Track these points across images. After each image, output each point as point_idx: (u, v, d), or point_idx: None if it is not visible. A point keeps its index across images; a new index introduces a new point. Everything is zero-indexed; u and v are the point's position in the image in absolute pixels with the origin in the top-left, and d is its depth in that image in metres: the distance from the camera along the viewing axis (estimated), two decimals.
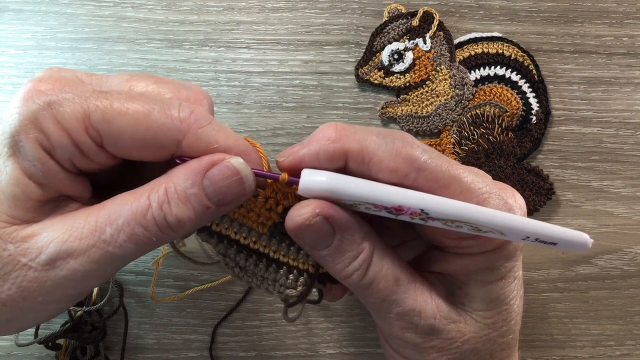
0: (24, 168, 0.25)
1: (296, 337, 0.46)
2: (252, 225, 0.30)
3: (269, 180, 0.28)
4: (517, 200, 0.30)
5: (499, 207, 0.28)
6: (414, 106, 0.48)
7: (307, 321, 0.46)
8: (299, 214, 0.27)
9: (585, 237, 0.28)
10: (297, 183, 0.27)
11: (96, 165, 0.27)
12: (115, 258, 0.26)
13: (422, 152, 0.27)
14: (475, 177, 0.28)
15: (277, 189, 0.28)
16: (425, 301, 0.30)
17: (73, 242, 0.25)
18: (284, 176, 0.27)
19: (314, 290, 0.32)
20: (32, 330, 0.43)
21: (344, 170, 0.28)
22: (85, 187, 0.28)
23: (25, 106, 0.25)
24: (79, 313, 0.42)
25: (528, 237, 0.27)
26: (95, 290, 0.43)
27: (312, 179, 0.27)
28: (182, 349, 0.45)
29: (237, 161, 0.26)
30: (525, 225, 0.27)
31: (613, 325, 0.47)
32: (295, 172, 0.27)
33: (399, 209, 0.26)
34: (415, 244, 0.34)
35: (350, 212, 0.28)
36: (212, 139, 0.26)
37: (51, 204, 0.27)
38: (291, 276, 0.31)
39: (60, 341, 0.43)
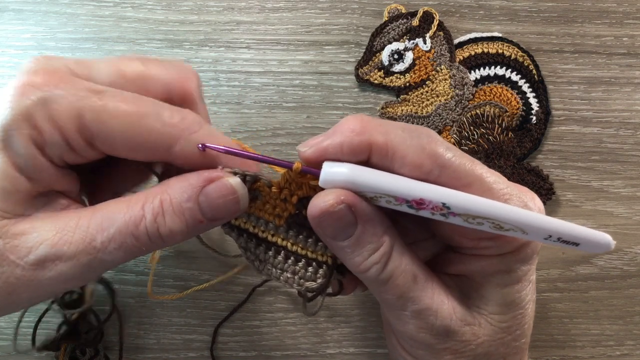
0: (14, 162, 0.25)
1: (296, 337, 0.46)
2: (268, 218, 0.30)
3: (283, 170, 0.28)
4: (537, 203, 0.29)
5: (518, 206, 0.28)
6: (414, 106, 0.48)
7: (307, 321, 0.46)
8: (323, 200, 0.27)
9: (608, 238, 0.28)
10: (311, 173, 0.27)
11: (84, 159, 0.27)
12: (103, 263, 0.26)
13: (446, 149, 0.27)
14: (497, 178, 0.28)
15: (290, 179, 0.28)
16: (441, 301, 0.29)
17: (63, 246, 0.25)
18: (297, 165, 0.27)
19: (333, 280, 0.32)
20: (30, 330, 0.43)
21: (366, 163, 0.27)
22: (73, 181, 0.28)
23: (19, 101, 0.25)
24: (75, 316, 0.42)
25: (550, 237, 0.27)
26: (89, 290, 0.42)
27: (333, 170, 0.27)
28: (182, 349, 0.45)
29: (234, 181, 0.27)
30: (549, 223, 0.27)
31: (613, 325, 0.47)
32: (315, 164, 0.27)
33: (420, 203, 0.26)
34: (429, 245, 0.34)
35: (372, 205, 0.28)
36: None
37: (41, 198, 0.27)
38: (310, 268, 0.31)
39: None
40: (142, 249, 0.27)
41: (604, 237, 0.28)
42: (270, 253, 0.31)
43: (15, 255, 0.25)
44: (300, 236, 0.30)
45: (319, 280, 0.30)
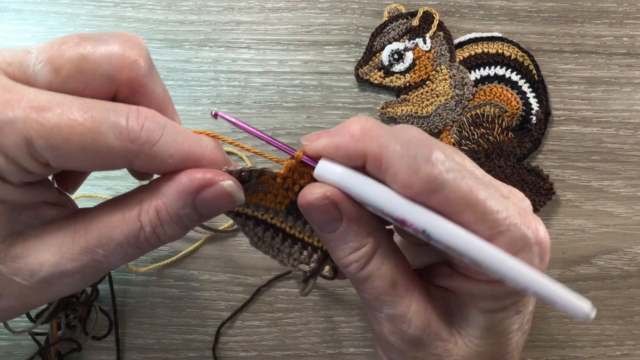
0: None
1: (296, 337, 0.46)
2: (270, 206, 0.30)
3: (286, 162, 0.29)
4: (540, 235, 0.27)
5: (510, 244, 0.26)
6: (414, 106, 0.48)
7: (307, 321, 0.46)
8: (311, 192, 0.27)
9: (586, 309, 0.25)
10: (309, 165, 0.28)
11: (46, 176, 0.26)
12: (107, 270, 0.27)
13: (442, 172, 0.25)
14: (496, 205, 0.26)
15: (293, 168, 0.29)
16: (418, 311, 0.29)
17: (65, 264, 0.25)
18: (299, 153, 0.28)
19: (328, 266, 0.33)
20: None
21: (362, 169, 0.27)
22: (46, 189, 0.27)
23: None
24: None
25: (527, 290, 0.25)
26: None
27: (327, 167, 0.27)
28: (182, 349, 0.45)
29: (228, 185, 0.27)
30: (528, 278, 0.25)
31: (613, 325, 0.47)
32: (316, 157, 0.28)
33: (403, 222, 0.26)
34: (430, 249, 0.33)
35: (361, 206, 0.28)
36: (165, 155, 0.25)
37: (26, 212, 0.26)
38: (305, 252, 0.31)
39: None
40: (142, 253, 0.27)
41: (583, 307, 0.25)
42: (268, 233, 0.31)
43: (20, 277, 0.25)
44: (299, 221, 0.31)
45: (312, 265, 0.31)
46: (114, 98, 0.26)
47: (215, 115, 0.27)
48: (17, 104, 0.23)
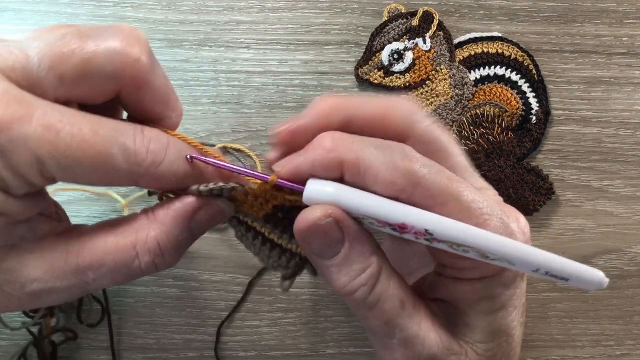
0: None
1: (296, 337, 0.46)
2: (248, 212, 0.30)
3: (259, 181, 0.28)
4: (521, 224, 0.28)
5: (499, 230, 0.26)
6: None
7: (307, 321, 0.46)
8: (311, 214, 0.26)
9: (600, 276, 0.26)
10: (287, 187, 0.27)
11: (47, 186, 0.27)
12: (93, 291, 0.29)
13: (421, 166, 0.26)
14: (476, 197, 0.27)
15: (266, 190, 0.28)
16: (428, 328, 0.28)
17: (55, 282, 0.26)
18: (273, 178, 0.27)
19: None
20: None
21: (340, 181, 0.27)
22: (43, 200, 0.27)
23: None
24: None
25: (538, 270, 0.26)
26: None
27: (317, 189, 0.26)
28: (182, 349, 0.45)
29: (224, 204, 0.28)
30: (538, 257, 0.25)
31: (613, 325, 0.47)
32: (294, 181, 0.27)
33: (403, 227, 0.25)
34: (424, 260, 0.33)
35: (359, 225, 0.27)
36: (169, 174, 0.26)
37: (21, 225, 0.26)
38: (284, 257, 0.31)
39: None
40: (132, 280, 0.28)
41: (597, 274, 0.26)
42: (250, 234, 0.31)
43: (10, 289, 0.26)
44: (276, 230, 0.30)
45: (290, 269, 0.31)
46: (119, 95, 0.27)
47: (192, 159, 0.27)
48: (29, 121, 0.23)
